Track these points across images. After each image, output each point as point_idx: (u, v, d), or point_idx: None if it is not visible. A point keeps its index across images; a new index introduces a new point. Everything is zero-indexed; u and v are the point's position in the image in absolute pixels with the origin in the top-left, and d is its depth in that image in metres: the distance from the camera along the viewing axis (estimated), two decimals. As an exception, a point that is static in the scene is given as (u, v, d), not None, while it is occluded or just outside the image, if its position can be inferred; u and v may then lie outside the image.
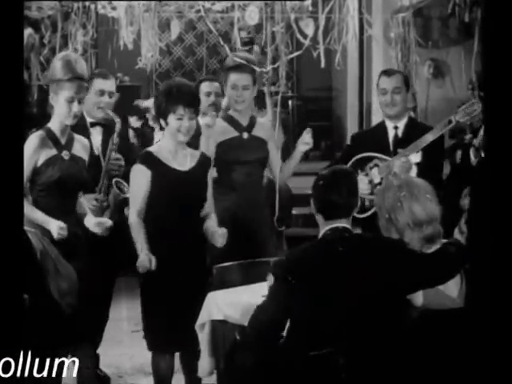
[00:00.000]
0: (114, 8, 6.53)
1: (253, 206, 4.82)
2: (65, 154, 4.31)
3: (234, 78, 4.82)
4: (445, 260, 3.48)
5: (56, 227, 4.13)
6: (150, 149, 4.41)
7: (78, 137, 4.45)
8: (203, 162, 4.43)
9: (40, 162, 4.24)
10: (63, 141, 4.32)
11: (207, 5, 6.70)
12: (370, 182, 4.82)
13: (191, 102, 4.29)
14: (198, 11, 6.73)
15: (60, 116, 4.27)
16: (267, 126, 5.07)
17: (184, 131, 4.28)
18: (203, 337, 4.07)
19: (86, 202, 4.62)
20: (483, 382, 3.04)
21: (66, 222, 4.23)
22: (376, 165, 4.81)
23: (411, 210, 3.52)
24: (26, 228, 3.54)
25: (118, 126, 4.83)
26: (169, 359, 4.39)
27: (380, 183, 4.69)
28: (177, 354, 4.47)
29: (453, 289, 3.54)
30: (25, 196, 4.17)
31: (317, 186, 3.47)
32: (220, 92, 5.56)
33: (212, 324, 4.02)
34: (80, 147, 4.42)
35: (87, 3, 6.57)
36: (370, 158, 4.85)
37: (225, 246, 4.32)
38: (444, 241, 3.60)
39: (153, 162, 4.28)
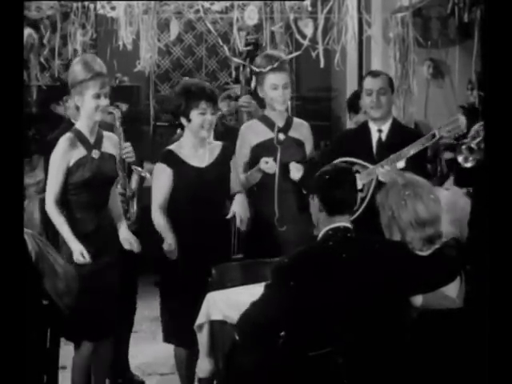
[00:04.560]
0: (113, 8, 6.54)
1: (290, 211, 4.77)
2: (94, 153, 4.36)
3: (273, 78, 4.76)
4: (446, 263, 3.49)
5: (78, 251, 4.18)
6: (171, 147, 4.47)
7: (106, 134, 4.50)
8: (223, 154, 4.49)
9: (71, 163, 4.30)
10: (92, 140, 4.37)
11: (206, 5, 6.71)
12: None
13: (212, 96, 4.38)
14: (198, 11, 6.74)
15: (88, 113, 4.32)
16: (305, 127, 4.98)
17: (207, 126, 4.35)
18: (202, 337, 4.07)
19: None
20: (482, 382, 3.04)
21: (98, 216, 4.33)
22: (357, 171, 4.61)
23: (415, 209, 3.53)
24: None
25: (117, 115, 4.83)
26: (190, 353, 4.41)
27: (361, 190, 4.58)
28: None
29: (452, 289, 3.54)
30: (56, 205, 4.25)
31: (322, 182, 3.50)
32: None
33: (211, 324, 4.02)
34: (109, 144, 4.46)
35: (86, 3, 6.57)
36: (351, 164, 4.63)
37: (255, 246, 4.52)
38: (443, 240, 3.61)
39: (174, 161, 4.38)
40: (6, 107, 3.02)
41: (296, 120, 4.99)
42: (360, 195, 4.56)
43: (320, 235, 3.48)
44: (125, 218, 4.68)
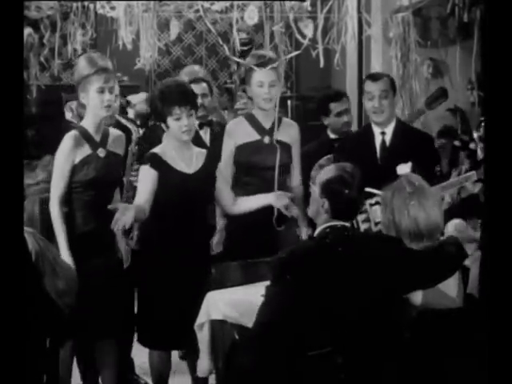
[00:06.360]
0: (112, 8, 6.54)
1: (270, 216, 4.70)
2: (100, 152, 4.33)
3: (259, 75, 4.67)
4: (443, 257, 3.49)
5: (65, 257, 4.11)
6: (156, 150, 4.37)
7: (112, 131, 4.46)
8: (210, 161, 4.41)
9: (77, 161, 4.27)
10: (98, 138, 4.34)
11: (206, 5, 6.70)
12: (367, 220, 4.40)
13: (185, 99, 4.26)
14: (197, 11, 6.74)
15: (94, 109, 4.29)
16: (293, 129, 4.87)
17: (185, 130, 4.26)
18: (202, 336, 4.08)
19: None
20: (482, 381, 3.04)
21: (98, 217, 4.27)
22: (377, 202, 4.31)
23: (416, 221, 3.53)
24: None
25: (134, 135, 4.80)
26: (165, 356, 4.42)
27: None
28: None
29: (452, 288, 3.54)
30: (61, 206, 4.22)
31: (330, 184, 3.46)
32: (207, 92, 5.53)
33: (211, 324, 4.03)
34: (115, 142, 4.42)
35: (86, 3, 6.57)
36: (371, 195, 4.38)
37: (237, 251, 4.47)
38: (442, 238, 3.61)
39: (159, 164, 4.28)
40: (6, 106, 3.02)
41: (285, 120, 4.88)
42: None
43: (317, 232, 3.48)
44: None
